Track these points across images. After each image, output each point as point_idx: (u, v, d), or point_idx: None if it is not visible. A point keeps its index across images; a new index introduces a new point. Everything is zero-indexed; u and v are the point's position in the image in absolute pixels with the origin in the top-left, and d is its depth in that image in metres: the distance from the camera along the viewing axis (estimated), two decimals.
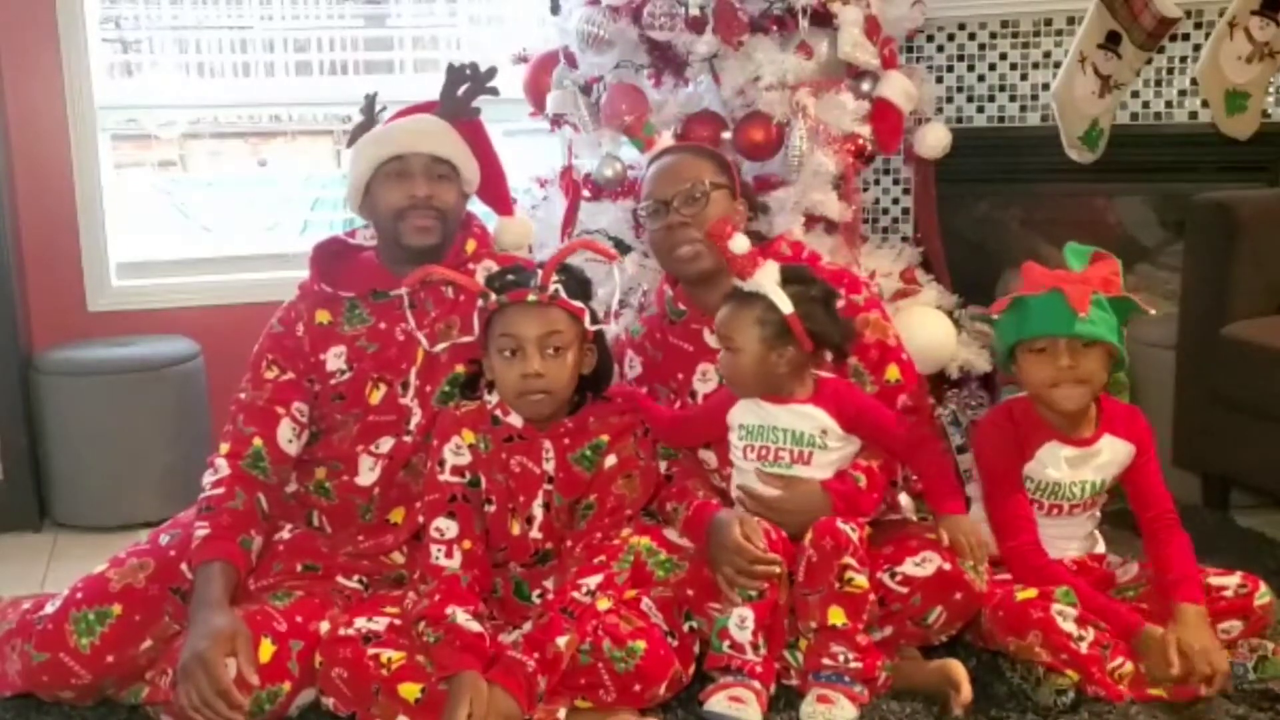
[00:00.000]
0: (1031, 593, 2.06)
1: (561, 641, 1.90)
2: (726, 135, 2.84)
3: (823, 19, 2.85)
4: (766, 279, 2.10)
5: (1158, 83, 3.18)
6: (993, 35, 3.33)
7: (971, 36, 3.36)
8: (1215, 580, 2.14)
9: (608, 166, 2.92)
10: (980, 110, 3.38)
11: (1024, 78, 3.32)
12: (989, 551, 2.10)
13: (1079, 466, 2.18)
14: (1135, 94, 3.18)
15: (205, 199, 3.88)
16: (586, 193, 2.97)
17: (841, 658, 1.97)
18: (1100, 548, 2.30)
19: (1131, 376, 2.81)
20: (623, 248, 2.91)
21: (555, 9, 3.07)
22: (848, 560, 1.99)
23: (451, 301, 2.24)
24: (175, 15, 3.49)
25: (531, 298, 2.04)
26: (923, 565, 2.07)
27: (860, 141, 2.85)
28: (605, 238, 2.91)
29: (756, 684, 1.97)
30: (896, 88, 2.90)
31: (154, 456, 3.08)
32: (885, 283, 2.93)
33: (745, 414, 2.16)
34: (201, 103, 3.55)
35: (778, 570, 2.01)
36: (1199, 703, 1.97)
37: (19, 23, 3.17)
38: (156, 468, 3.07)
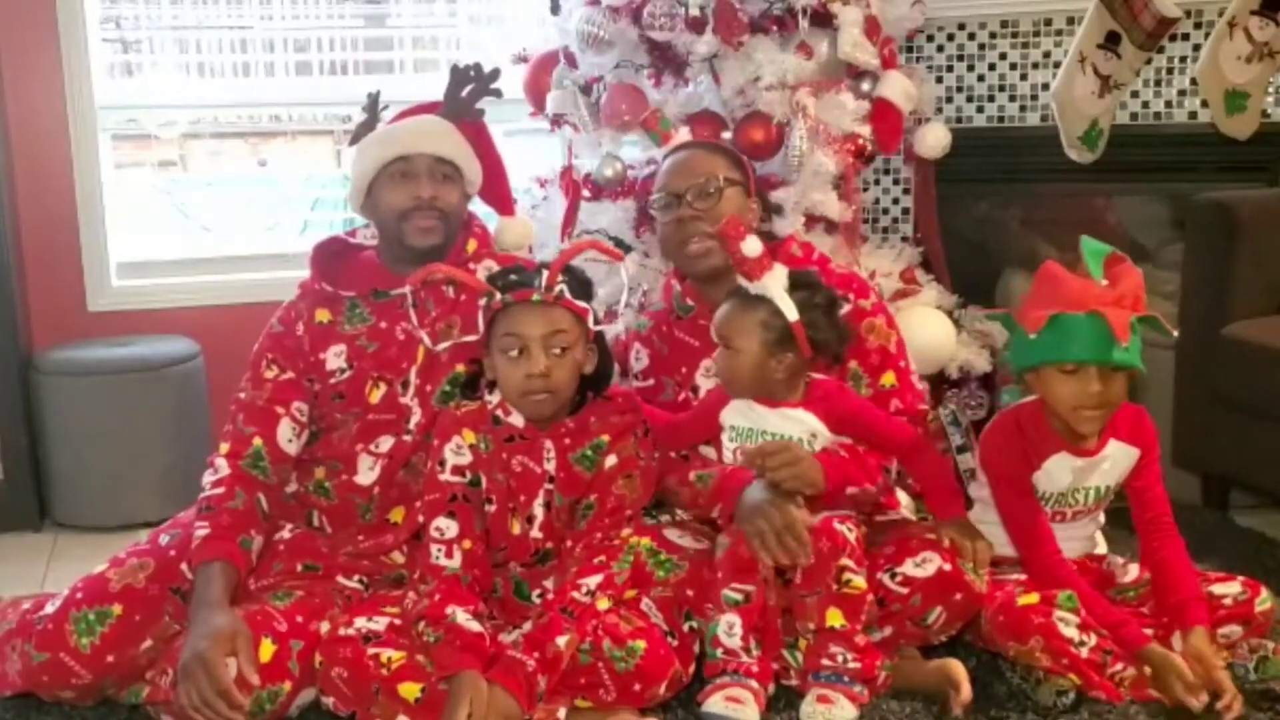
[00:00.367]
0: (1033, 598, 2.06)
1: (561, 641, 1.90)
2: (726, 135, 2.84)
3: (823, 19, 2.85)
4: (775, 284, 2.09)
5: (1157, 83, 3.18)
6: (993, 35, 3.33)
7: (971, 36, 3.36)
8: (1216, 589, 2.13)
9: (608, 166, 2.92)
10: (980, 110, 3.38)
11: (1024, 78, 3.31)
12: (991, 553, 2.10)
13: (1086, 475, 2.17)
14: (1135, 94, 3.18)
15: (205, 199, 3.88)
16: (586, 193, 2.97)
17: (841, 658, 1.97)
18: (1101, 549, 2.30)
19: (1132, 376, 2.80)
20: (623, 247, 2.90)
21: (555, 9, 3.07)
22: (845, 562, 1.99)
23: (452, 301, 2.24)
24: (175, 15, 3.49)
25: (536, 297, 2.04)
26: (923, 566, 2.07)
27: (860, 141, 2.85)
28: (605, 238, 2.91)
29: (754, 683, 1.97)
30: (896, 88, 2.90)
31: (154, 456, 3.08)
32: (885, 283, 2.93)
33: (736, 415, 2.16)
34: (201, 103, 3.55)
35: (802, 561, 1.99)
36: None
37: (19, 23, 3.17)
38: (156, 468, 3.08)
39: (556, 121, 3.05)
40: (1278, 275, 2.83)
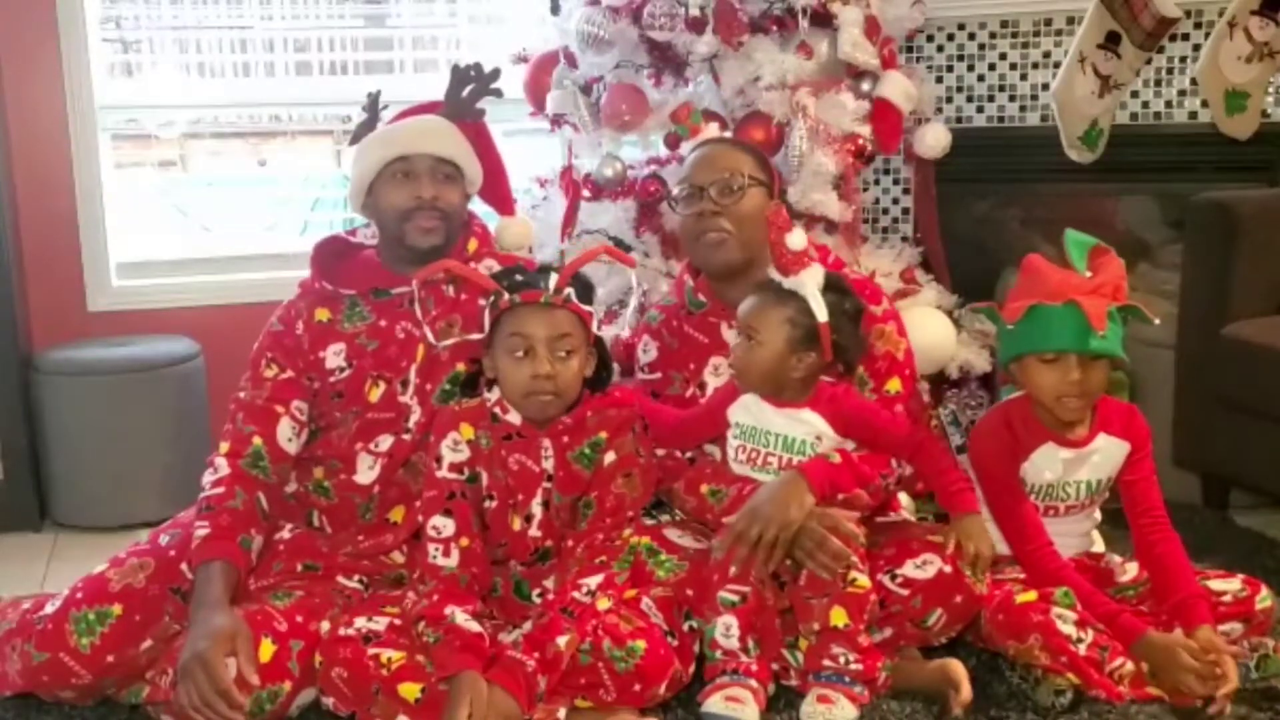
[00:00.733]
0: (1031, 595, 2.06)
1: (562, 641, 1.90)
2: (727, 135, 2.84)
3: (823, 19, 2.85)
4: (810, 282, 2.08)
5: (1158, 83, 3.18)
6: (992, 35, 3.33)
7: (971, 36, 3.36)
8: (1216, 585, 2.13)
9: (608, 166, 2.92)
10: (980, 110, 3.38)
11: (1024, 78, 3.31)
12: (993, 555, 2.09)
13: (1075, 467, 2.18)
14: (1135, 94, 3.18)
15: (205, 199, 3.88)
16: (586, 193, 2.98)
17: (842, 659, 1.97)
18: (1098, 546, 2.31)
19: (1131, 376, 2.81)
20: (623, 248, 2.91)
21: (555, 9, 3.07)
22: (850, 560, 1.99)
23: (452, 300, 2.24)
24: (175, 15, 3.49)
25: (545, 299, 2.04)
26: (923, 567, 2.07)
27: (860, 141, 2.85)
28: (605, 238, 2.91)
29: (753, 683, 1.97)
30: (896, 88, 2.90)
31: (154, 456, 3.08)
32: (885, 283, 2.93)
33: (743, 413, 2.16)
34: (201, 103, 3.55)
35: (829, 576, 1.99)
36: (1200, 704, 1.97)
37: (19, 23, 3.17)
38: (156, 468, 3.07)
39: (556, 121, 3.05)
40: (1278, 275, 2.83)
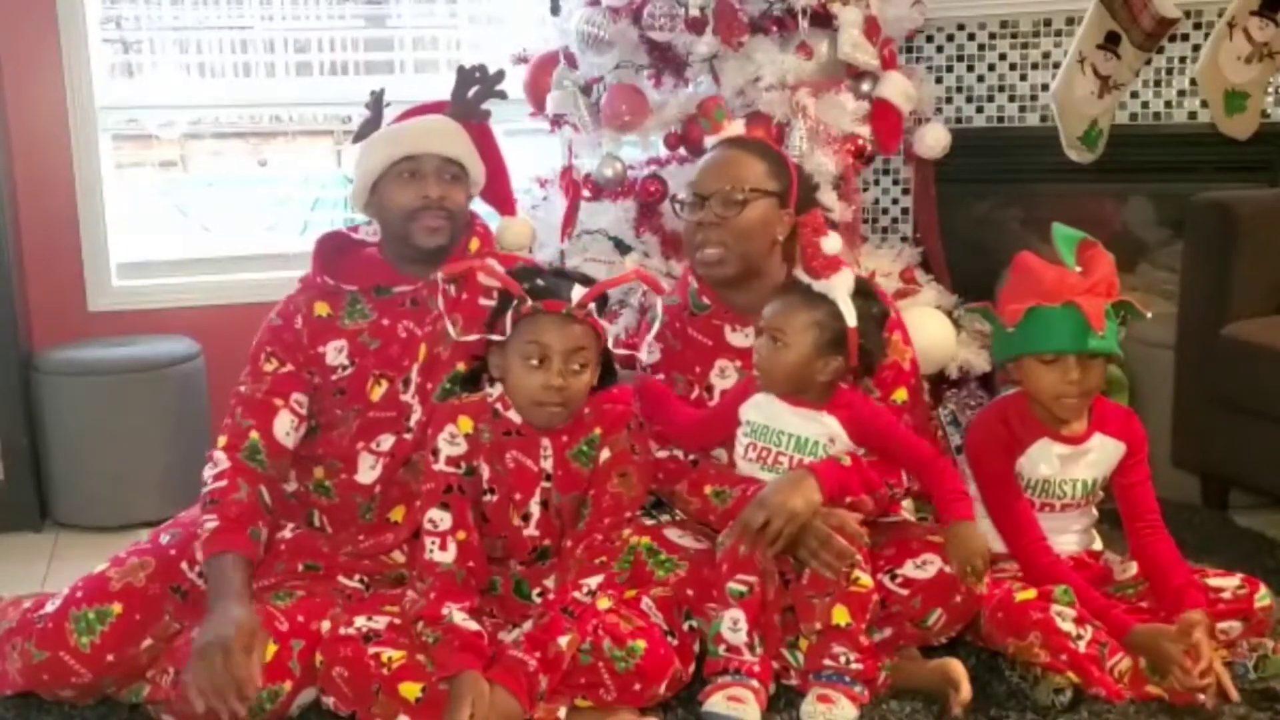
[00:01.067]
0: (1031, 593, 2.07)
1: (563, 641, 1.90)
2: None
3: (822, 19, 2.85)
4: (841, 287, 2.06)
5: (1157, 83, 3.19)
6: (992, 36, 3.33)
7: (971, 37, 3.36)
8: (1214, 582, 2.14)
9: (608, 166, 2.92)
10: (980, 110, 3.38)
11: (1023, 78, 3.32)
12: (988, 558, 2.08)
13: (1070, 464, 2.19)
14: (1135, 94, 3.19)
15: (205, 199, 3.88)
16: (586, 193, 2.98)
17: (843, 659, 1.98)
18: (1096, 545, 2.31)
19: (1131, 376, 2.81)
20: (623, 248, 2.91)
21: (555, 9, 3.07)
22: (855, 559, 2.00)
23: (454, 299, 2.23)
24: (176, 15, 3.49)
25: (567, 310, 2.02)
26: (923, 568, 2.08)
27: (860, 142, 2.85)
28: (605, 238, 2.92)
29: (755, 683, 1.97)
30: (896, 88, 2.90)
31: (154, 456, 3.08)
32: (885, 283, 2.93)
33: (755, 411, 2.16)
34: (202, 103, 3.55)
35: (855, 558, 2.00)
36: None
37: (19, 23, 3.17)
38: (156, 468, 3.07)
39: (556, 121, 3.04)
40: (1278, 275, 2.83)
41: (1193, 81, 3.06)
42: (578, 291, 2.04)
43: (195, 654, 1.85)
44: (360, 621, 1.97)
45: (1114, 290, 2.13)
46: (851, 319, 2.06)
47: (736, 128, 2.42)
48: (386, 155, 2.22)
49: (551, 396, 2.02)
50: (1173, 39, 3.02)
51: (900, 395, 2.28)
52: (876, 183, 3.35)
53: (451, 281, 2.22)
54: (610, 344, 2.11)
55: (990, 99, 3.36)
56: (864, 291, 2.11)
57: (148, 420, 3.07)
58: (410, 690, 1.87)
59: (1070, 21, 3.17)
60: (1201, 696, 1.95)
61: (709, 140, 2.40)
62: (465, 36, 3.77)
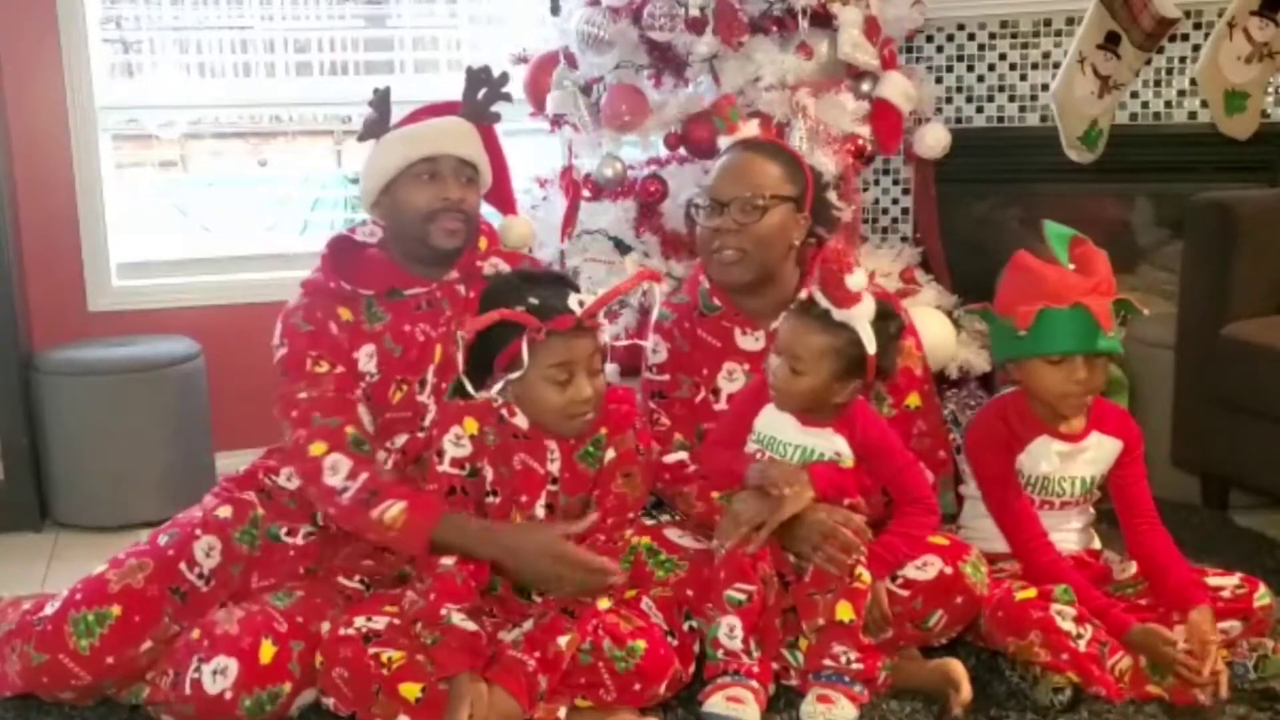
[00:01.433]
0: (1031, 592, 2.07)
1: (562, 641, 1.90)
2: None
3: (822, 19, 2.85)
4: (863, 316, 2.03)
5: (1157, 83, 3.19)
6: (992, 36, 3.33)
7: (971, 37, 3.36)
8: (1213, 581, 2.15)
9: (608, 166, 2.92)
10: (980, 110, 3.38)
11: (1023, 78, 3.32)
12: (887, 622, 2.04)
13: (1069, 462, 2.20)
14: (1135, 94, 3.19)
15: (205, 199, 3.88)
16: (586, 193, 2.98)
17: (843, 658, 1.98)
18: (1096, 544, 2.31)
19: (1131, 376, 2.81)
20: (623, 248, 2.91)
21: (555, 9, 3.07)
22: (860, 554, 2.00)
23: (465, 300, 2.23)
24: (176, 15, 3.49)
25: (578, 321, 1.99)
26: (924, 569, 2.08)
27: (860, 142, 2.85)
28: (605, 238, 2.92)
29: (754, 683, 1.97)
30: (896, 88, 2.90)
31: (154, 456, 3.08)
32: (885, 283, 2.93)
33: (767, 424, 2.15)
34: (202, 103, 3.54)
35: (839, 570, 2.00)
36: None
37: (19, 23, 3.17)
38: (156, 468, 3.08)
39: (556, 121, 3.04)
40: (1278, 275, 2.83)
41: (1193, 81, 3.06)
42: (573, 298, 2.03)
43: (547, 581, 1.97)
44: (360, 622, 1.97)
45: (1112, 289, 2.14)
46: (872, 347, 2.03)
47: (752, 128, 2.40)
48: (404, 155, 2.20)
49: (584, 407, 2.02)
50: (1173, 39, 3.02)
51: (913, 400, 2.29)
52: (876, 183, 3.35)
53: (463, 282, 2.22)
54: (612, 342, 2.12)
55: (990, 99, 3.36)
56: (883, 313, 2.07)
57: (148, 420, 3.07)
58: (410, 690, 1.87)
59: (1070, 21, 3.17)
60: (1201, 695, 1.95)
61: (723, 141, 2.38)
62: (465, 36, 3.77)
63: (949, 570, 2.06)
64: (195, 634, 1.96)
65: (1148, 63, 3.04)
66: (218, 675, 1.89)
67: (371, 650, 1.91)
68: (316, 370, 2.14)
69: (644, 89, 2.92)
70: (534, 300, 1.99)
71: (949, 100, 3.38)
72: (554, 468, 2.08)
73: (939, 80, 3.36)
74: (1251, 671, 2.05)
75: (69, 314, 3.29)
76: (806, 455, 2.12)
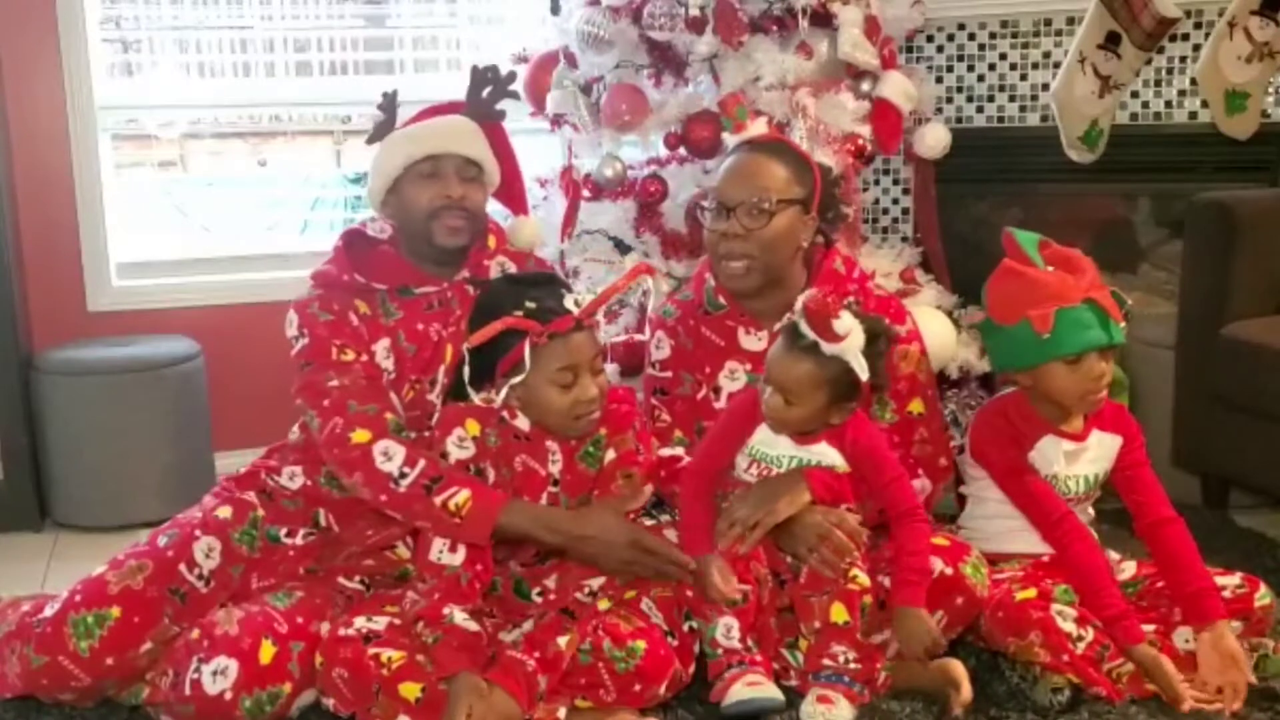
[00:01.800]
0: (1031, 593, 2.07)
1: (562, 641, 1.90)
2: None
3: (823, 19, 2.85)
4: (854, 348, 2.00)
5: (1158, 83, 3.18)
6: (992, 35, 3.33)
7: (971, 37, 3.36)
8: (1214, 580, 2.14)
9: (608, 166, 2.92)
10: (980, 110, 3.38)
11: (1024, 78, 3.31)
12: (941, 646, 2.02)
13: (1074, 460, 2.20)
14: (1135, 94, 3.18)
15: (205, 199, 3.88)
16: (586, 193, 2.98)
17: (842, 658, 1.98)
18: None
19: (1131, 376, 2.81)
20: (623, 248, 2.91)
21: (555, 9, 3.07)
22: (854, 556, 2.00)
23: (473, 299, 2.23)
24: (175, 15, 3.48)
25: (577, 322, 2.01)
26: None
27: (860, 141, 2.85)
28: (605, 238, 2.91)
29: (761, 670, 1.97)
30: (896, 88, 2.90)
31: (154, 456, 3.08)
32: (885, 283, 2.93)
33: (760, 441, 2.14)
34: (201, 103, 3.54)
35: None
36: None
37: (19, 23, 3.17)
38: (156, 468, 3.08)
39: (556, 121, 3.04)
40: (1278, 275, 2.83)
41: (1193, 81, 3.05)
42: (569, 298, 2.03)
43: (629, 567, 2.01)
44: (360, 622, 1.97)
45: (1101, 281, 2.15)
46: (865, 375, 2.01)
47: (759, 127, 2.37)
48: (407, 155, 2.21)
49: (590, 408, 2.03)
50: (1173, 39, 3.02)
51: (916, 406, 2.28)
52: (876, 183, 3.35)
53: (472, 282, 2.22)
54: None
55: (990, 99, 3.36)
56: (873, 334, 2.04)
57: (148, 420, 3.07)
58: (410, 691, 1.87)
59: (1070, 21, 3.17)
60: (1218, 705, 1.95)
61: (729, 140, 2.37)
62: (465, 36, 3.77)
63: (949, 571, 2.05)
64: (195, 634, 1.96)
65: (1148, 63, 3.04)
66: (218, 676, 1.90)
67: (371, 650, 1.91)
68: (343, 358, 2.13)
69: (644, 89, 2.92)
70: (531, 304, 2.01)
71: (949, 100, 3.38)
72: (555, 469, 2.08)
73: (939, 80, 3.35)
74: (1251, 672, 2.04)
75: (69, 314, 3.29)
76: (802, 464, 2.11)
